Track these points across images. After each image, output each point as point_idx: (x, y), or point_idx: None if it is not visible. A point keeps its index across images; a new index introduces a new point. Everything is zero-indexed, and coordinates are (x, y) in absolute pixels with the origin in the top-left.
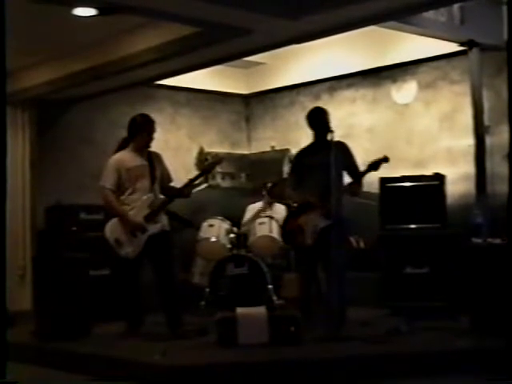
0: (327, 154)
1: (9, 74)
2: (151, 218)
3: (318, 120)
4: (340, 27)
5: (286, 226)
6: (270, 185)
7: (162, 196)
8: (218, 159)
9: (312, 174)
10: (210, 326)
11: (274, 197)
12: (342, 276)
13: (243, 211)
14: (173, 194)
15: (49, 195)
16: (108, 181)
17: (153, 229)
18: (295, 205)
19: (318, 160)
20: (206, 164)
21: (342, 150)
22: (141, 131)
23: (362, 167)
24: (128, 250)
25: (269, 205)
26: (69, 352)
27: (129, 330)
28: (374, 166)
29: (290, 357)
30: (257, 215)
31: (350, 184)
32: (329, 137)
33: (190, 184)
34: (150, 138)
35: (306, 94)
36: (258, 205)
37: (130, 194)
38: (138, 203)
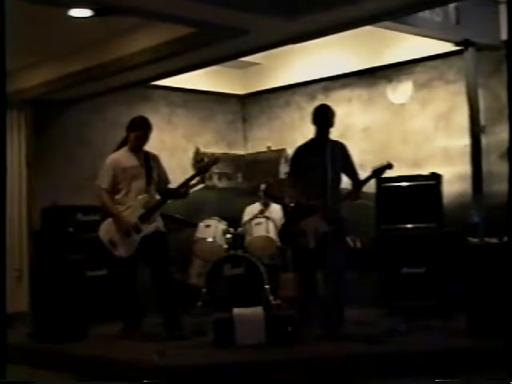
0: (328, 153)
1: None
2: (146, 218)
3: (324, 117)
4: (335, 27)
5: (286, 228)
6: (263, 186)
7: (158, 197)
8: (214, 159)
9: (313, 174)
10: (207, 327)
11: (270, 197)
12: (340, 276)
13: (240, 211)
14: (169, 194)
15: (45, 196)
16: (103, 180)
17: (147, 229)
18: (292, 205)
19: (319, 159)
20: (202, 164)
21: (342, 150)
22: (135, 131)
23: (358, 168)
24: (121, 250)
25: (265, 206)
26: (66, 353)
27: (126, 331)
28: (378, 172)
29: (288, 357)
30: (255, 217)
31: (351, 191)
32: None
33: (186, 184)
34: (144, 138)
35: (302, 94)
36: (256, 206)
37: (125, 193)
38: (132, 203)
